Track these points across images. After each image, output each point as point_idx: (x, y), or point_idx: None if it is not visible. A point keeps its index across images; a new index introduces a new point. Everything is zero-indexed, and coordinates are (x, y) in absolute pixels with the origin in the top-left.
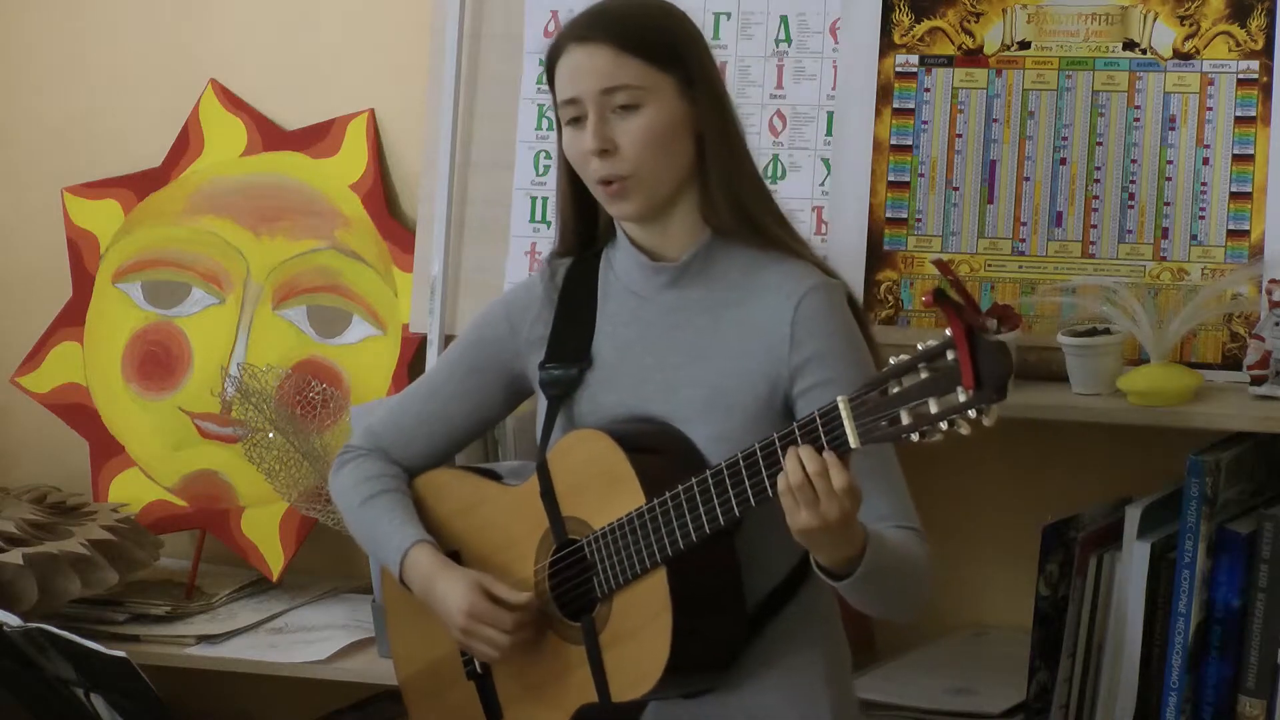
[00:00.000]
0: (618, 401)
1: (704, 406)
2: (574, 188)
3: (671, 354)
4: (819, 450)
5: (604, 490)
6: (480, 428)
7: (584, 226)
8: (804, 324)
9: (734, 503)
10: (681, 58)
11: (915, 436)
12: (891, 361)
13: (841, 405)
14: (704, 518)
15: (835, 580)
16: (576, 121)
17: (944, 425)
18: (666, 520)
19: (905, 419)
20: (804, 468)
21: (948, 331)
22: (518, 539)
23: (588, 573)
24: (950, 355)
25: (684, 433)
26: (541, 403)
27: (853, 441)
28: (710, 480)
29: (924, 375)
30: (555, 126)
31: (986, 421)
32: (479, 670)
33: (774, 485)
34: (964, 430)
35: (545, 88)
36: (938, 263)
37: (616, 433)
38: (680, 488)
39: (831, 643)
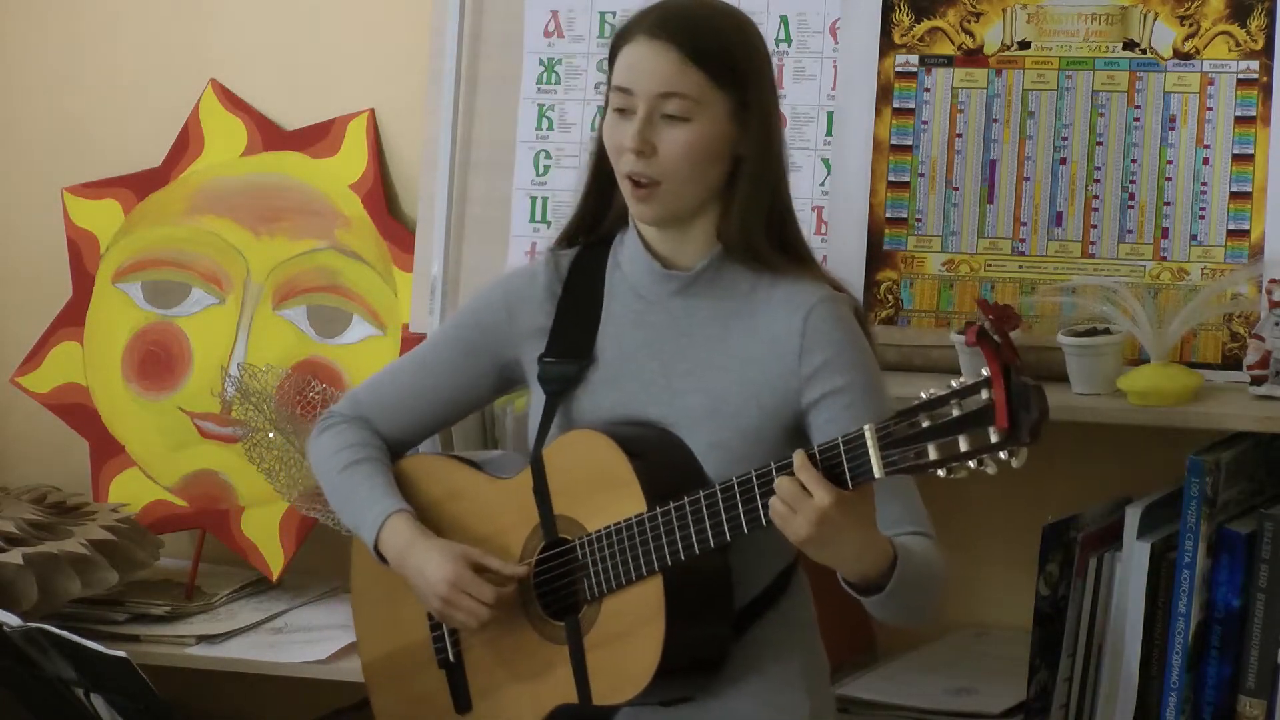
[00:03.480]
0: (618, 402)
1: (705, 414)
2: (600, 170)
3: (677, 360)
4: (840, 482)
5: (601, 492)
6: (465, 409)
7: (598, 212)
8: (813, 334)
9: (743, 519)
10: (743, 82)
11: (942, 472)
12: (923, 395)
13: (868, 433)
14: (709, 531)
15: (864, 596)
16: (623, 112)
17: (972, 463)
18: (669, 530)
19: (933, 454)
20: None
21: (984, 370)
22: (503, 531)
23: (577, 573)
24: (985, 394)
25: (683, 440)
26: (538, 396)
27: (877, 471)
28: (719, 494)
29: (955, 412)
30: (604, 107)
31: (1015, 463)
32: (451, 659)
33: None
34: (991, 470)
35: (546, 87)
36: (980, 302)
37: (617, 435)
38: (686, 499)
39: (811, 652)
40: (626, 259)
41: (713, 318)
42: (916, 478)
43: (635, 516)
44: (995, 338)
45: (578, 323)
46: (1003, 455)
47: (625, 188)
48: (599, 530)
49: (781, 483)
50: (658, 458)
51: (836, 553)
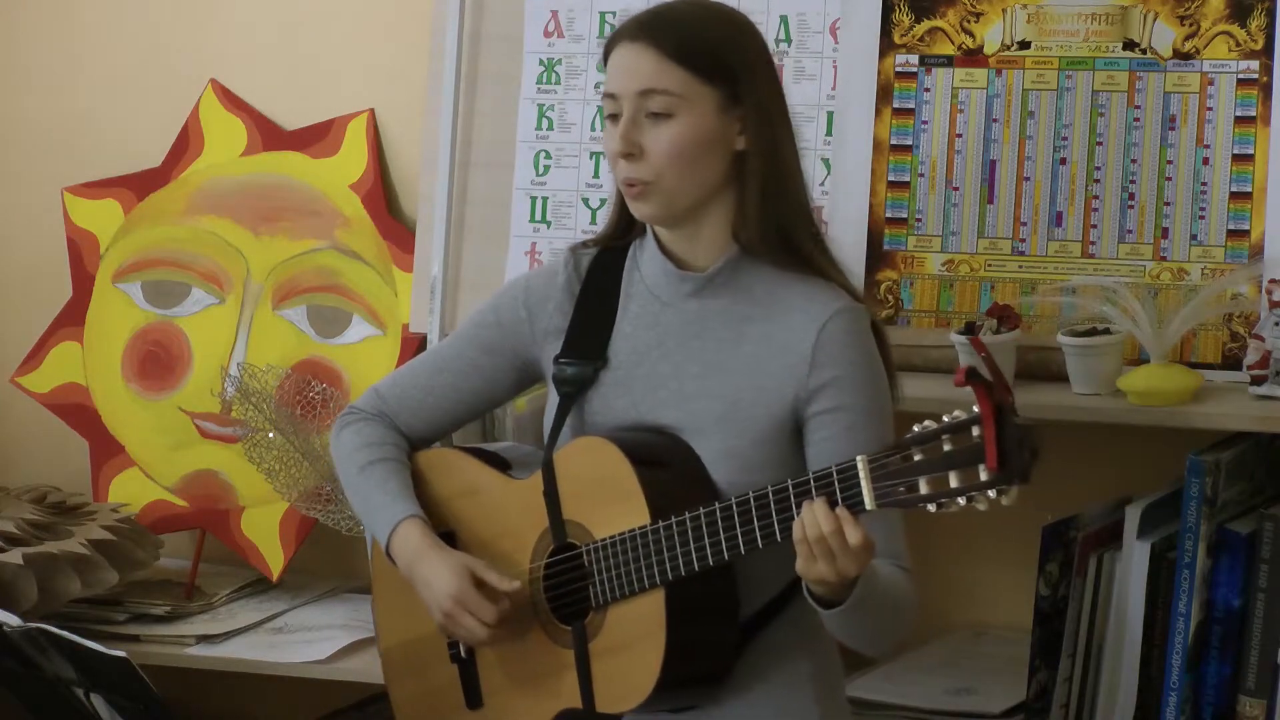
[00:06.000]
0: (630, 405)
1: (717, 419)
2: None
3: (689, 363)
4: (832, 506)
5: (608, 501)
6: (487, 406)
7: (624, 219)
8: (826, 348)
9: (740, 541)
10: (732, 74)
11: (932, 507)
12: (916, 429)
13: (860, 465)
14: (708, 550)
15: (824, 608)
16: (613, 118)
17: (962, 500)
18: (670, 544)
19: (924, 488)
20: (820, 525)
21: (975, 408)
22: (516, 531)
23: (584, 579)
24: (975, 432)
25: (693, 448)
26: (552, 397)
27: (869, 503)
28: (719, 514)
29: (947, 447)
30: None
31: (1005, 501)
32: (463, 655)
33: (784, 531)
34: (982, 507)
35: (546, 87)
36: (974, 340)
37: (626, 443)
38: (687, 515)
39: (821, 656)
40: (645, 260)
41: (726, 321)
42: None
43: (639, 528)
44: (988, 377)
45: (593, 324)
46: (992, 494)
47: (623, 191)
48: (604, 539)
49: (823, 523)
50: (666, 468)
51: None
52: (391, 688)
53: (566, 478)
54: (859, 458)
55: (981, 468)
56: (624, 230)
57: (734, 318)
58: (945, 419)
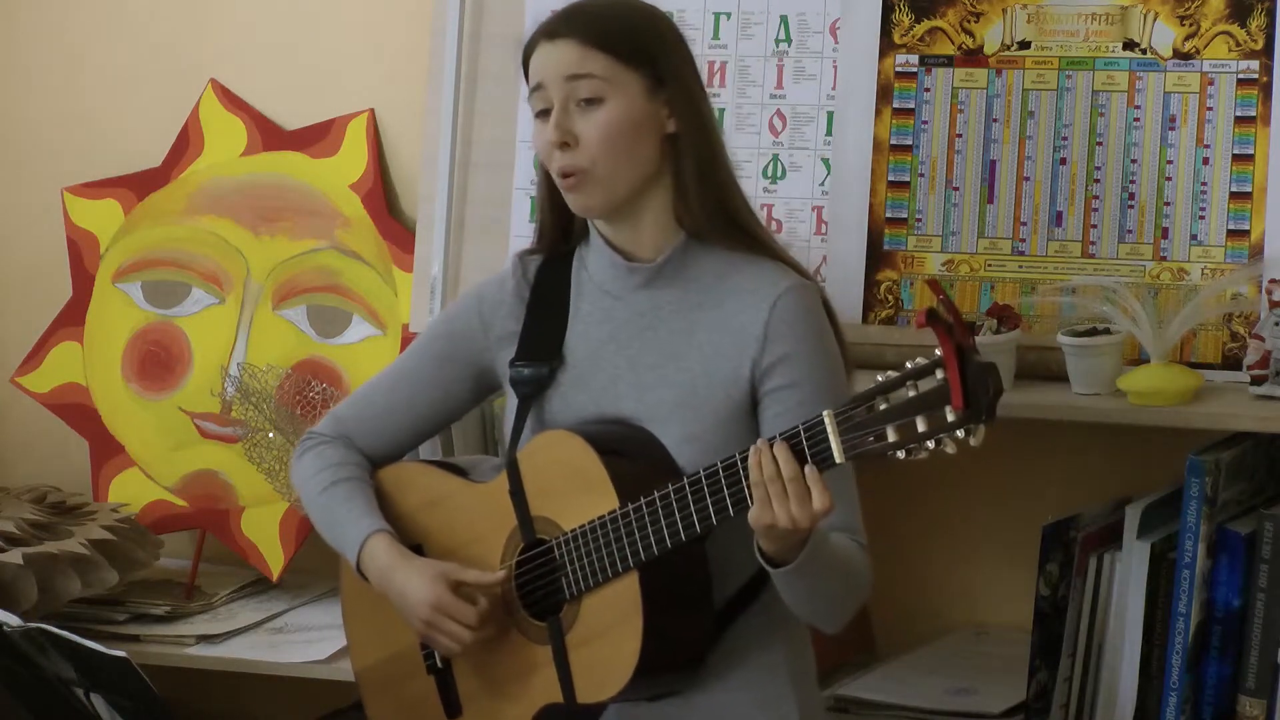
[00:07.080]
0: (589, 400)
1: (675, 407)
2: (549, 183)
3: (644, 354)
4: (802, 465)
5: (575, 492)
6: (447, 419)
7: (559, 224)
8: (777, 325)
9: (711, 511)
10: (652, 58)
11: (901, 454)
12: (879, 378)
13: (827, 419)
14: (679, 524)
15: (772, 566)
16: (543, 114)
17: (930, 444)
18: (640, 525)
19: (892, 435)
20: (776, 464)
21: (937, 351)
22: (484, 535)
23: (556, 573)
24: (939, 374)
25: (655, 435)
26: (511, 400)
27: (838, 456)
28: (687, 487)
29: (911, 393)
30: None
31: (973, 441)
32: (439, 665)
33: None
34: (950, 449)
35: None
36: (930, 282)
37: (589, 434)
38: (656, 494)
39: (795, 642)
40: (591, 259)
41: (678, 310)
42: (876, 467)
43: (608, 514)
44: (947, 318)
45: (546, 325)
46: (960, 434)
47: (560, 186)
48: (574, 529)
49: (780, 461)
50: (630, 454)
51: (783, 535)
52: (369, 706)
53: (532, 474)
54: (825, 413)
55: (948, 409)
56: (563, 238)
57: (686, 306)
58: (908, 365)
